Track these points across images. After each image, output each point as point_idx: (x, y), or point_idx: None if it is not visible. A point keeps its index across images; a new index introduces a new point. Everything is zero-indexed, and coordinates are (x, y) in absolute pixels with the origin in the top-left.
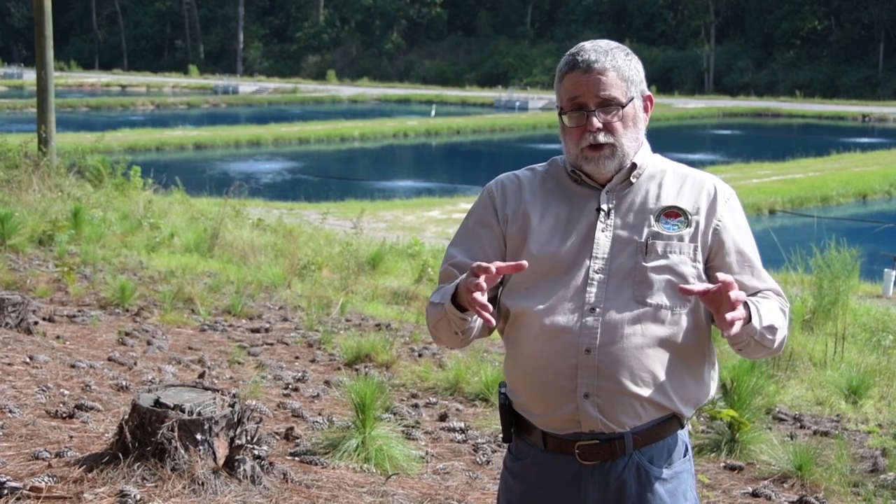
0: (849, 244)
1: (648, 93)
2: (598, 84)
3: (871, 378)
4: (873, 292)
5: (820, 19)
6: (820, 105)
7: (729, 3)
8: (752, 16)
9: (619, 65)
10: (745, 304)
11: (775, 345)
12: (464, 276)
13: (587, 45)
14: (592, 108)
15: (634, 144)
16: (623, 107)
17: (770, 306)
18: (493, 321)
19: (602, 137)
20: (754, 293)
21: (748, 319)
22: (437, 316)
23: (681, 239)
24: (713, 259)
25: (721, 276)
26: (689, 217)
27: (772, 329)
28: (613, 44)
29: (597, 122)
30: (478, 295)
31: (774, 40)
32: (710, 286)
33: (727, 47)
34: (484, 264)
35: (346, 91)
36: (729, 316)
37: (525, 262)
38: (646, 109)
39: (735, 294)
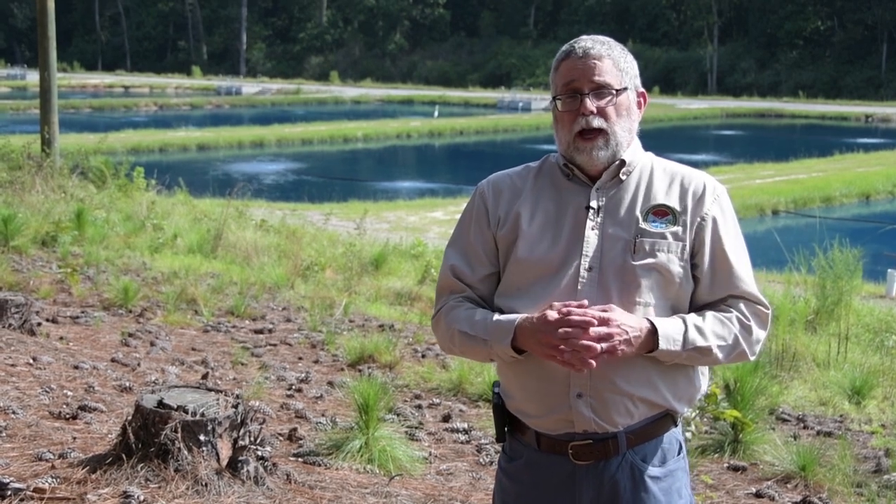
0: (852, 245)
1: (643, 90)
2: (594, 69)
3: (875, 378)
4: (876, 293)
5: (823, 20)
6: (823, 105)
7: (732, 3)
8: (755, 16)
9: (614, 55)
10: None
11: (721, 360)
12: (528, 323)
13: (585, 36)
14: (586, 91)
15: (627, 136)
16: (617, 94)
17: (714, 327)
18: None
19: (595, 121)
20: (725, 298)
21: (654, 346)
22: (471, 347)
23: (668, 237)
24: (694, 256)
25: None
26: (677, 215)
27: (703, 350)
28: (612, 40)
29: (590, 105)
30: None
31: (777, 41)
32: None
33: (730, 48)
34: (558, 320)
35: (349, 92)
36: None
37: (585, 301)
38: (639, 106)
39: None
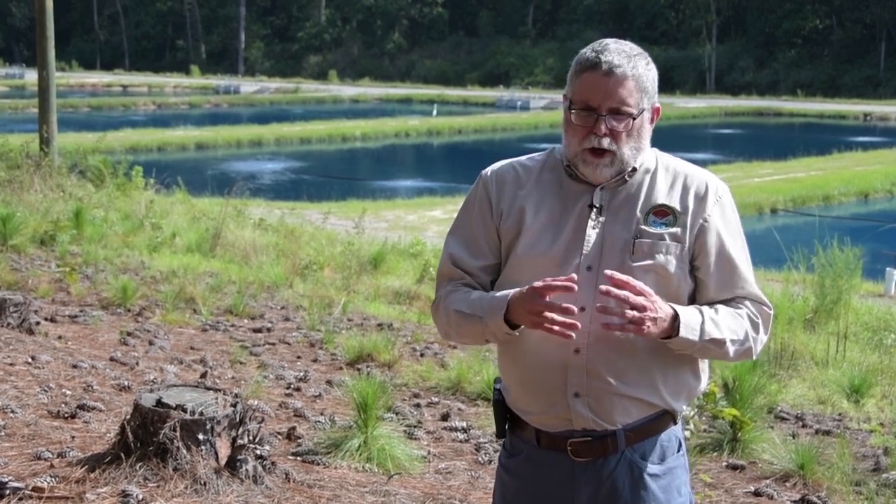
0: (851, 243)
1: (658, 104)
2: (615, 92)
3: (873, 377)
4: (875, 291)
5: (821, 18)
6: (821, 104)
7: (730, 2)
8: (753, 15)
9: (639, 73)
10: (699, 311)
11: (731, 354)
12: (519, 294)
13: (612, 45)
14: (603, 112)
15: (635, 153)
16: (633, 118)
17: (727, 320)
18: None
19: (606, 143)
20: (730, 300)
21: (674, 333)
22: (467, 326)
23: (667, 239)
24: (696, 258)
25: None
26: (678, 216)
27: (717, 342)
28: (637, 49)
29: (604, 129)
30: (553, 315)
31: (776, 39)
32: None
33: (728, 46)
34: (542, 286)
35: (348, 91)
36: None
37: (574, 286)
38: (651, 120)
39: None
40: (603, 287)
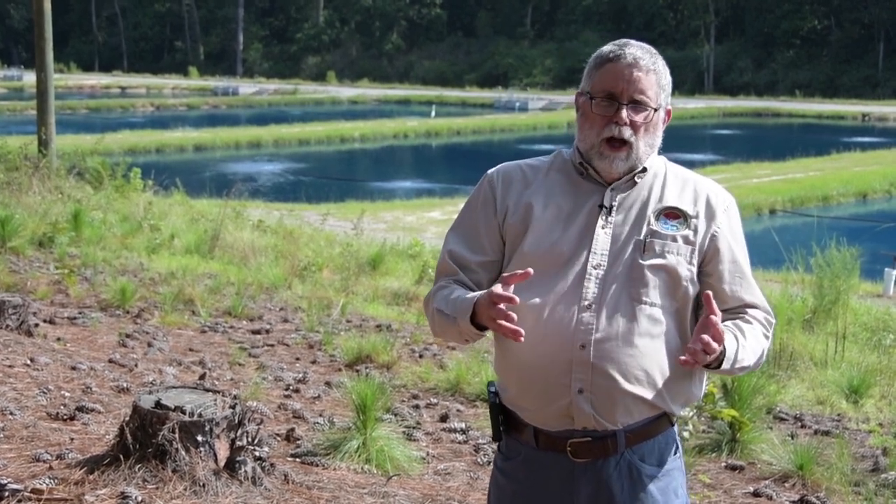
0: (849, 243)
1: (670, 108)
2: (639, 82)
3: (872, 377)
4: (874, 292)
5: (820, 19)
6: (820, 105)
7: (729, 2)
8: (751, 15)
9: (659, 70)
10: (733, 335)
11: (745, 372)
12: (482, 296)
13: (633, 42)
14: (625, 102)
15: (649, 150)
16: (653, 111)
17: (753, 344)
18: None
19: (626, 132)
20: (741, 307)
21: (718, 364)
22: (447, 325)
23: (679, 240)
24: (707, 264)
25: (705, 338)
26: (689, 219)
27: (743, 368)
28: (655, 51)
29: (625, 117)
30: (506, 323)
31: (774, 40)
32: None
33: (727, 47)
34: (500, 293)
35: (346, 92)
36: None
37: (531, 271)
38: (663, 122)
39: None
40: (704, 337)
